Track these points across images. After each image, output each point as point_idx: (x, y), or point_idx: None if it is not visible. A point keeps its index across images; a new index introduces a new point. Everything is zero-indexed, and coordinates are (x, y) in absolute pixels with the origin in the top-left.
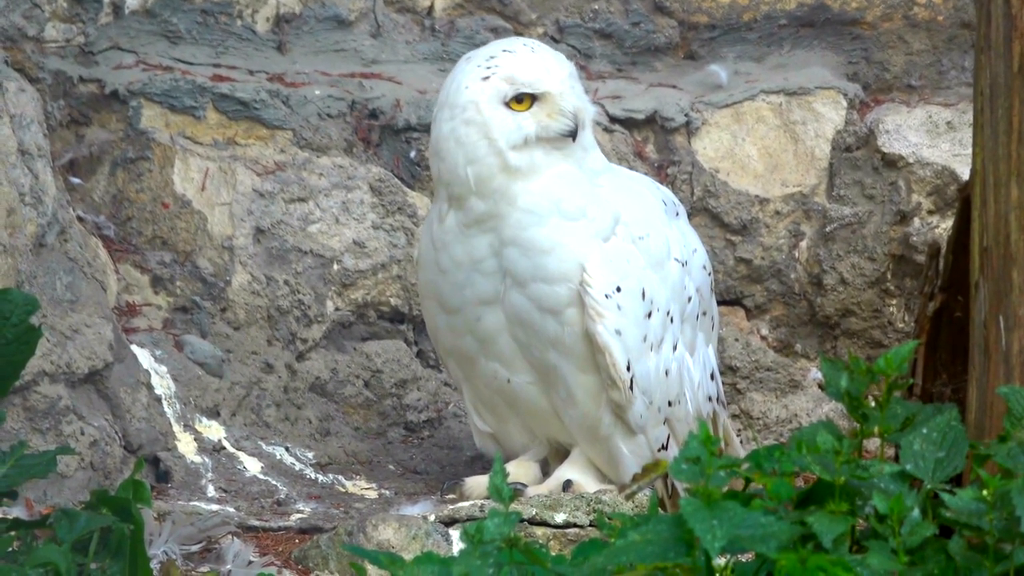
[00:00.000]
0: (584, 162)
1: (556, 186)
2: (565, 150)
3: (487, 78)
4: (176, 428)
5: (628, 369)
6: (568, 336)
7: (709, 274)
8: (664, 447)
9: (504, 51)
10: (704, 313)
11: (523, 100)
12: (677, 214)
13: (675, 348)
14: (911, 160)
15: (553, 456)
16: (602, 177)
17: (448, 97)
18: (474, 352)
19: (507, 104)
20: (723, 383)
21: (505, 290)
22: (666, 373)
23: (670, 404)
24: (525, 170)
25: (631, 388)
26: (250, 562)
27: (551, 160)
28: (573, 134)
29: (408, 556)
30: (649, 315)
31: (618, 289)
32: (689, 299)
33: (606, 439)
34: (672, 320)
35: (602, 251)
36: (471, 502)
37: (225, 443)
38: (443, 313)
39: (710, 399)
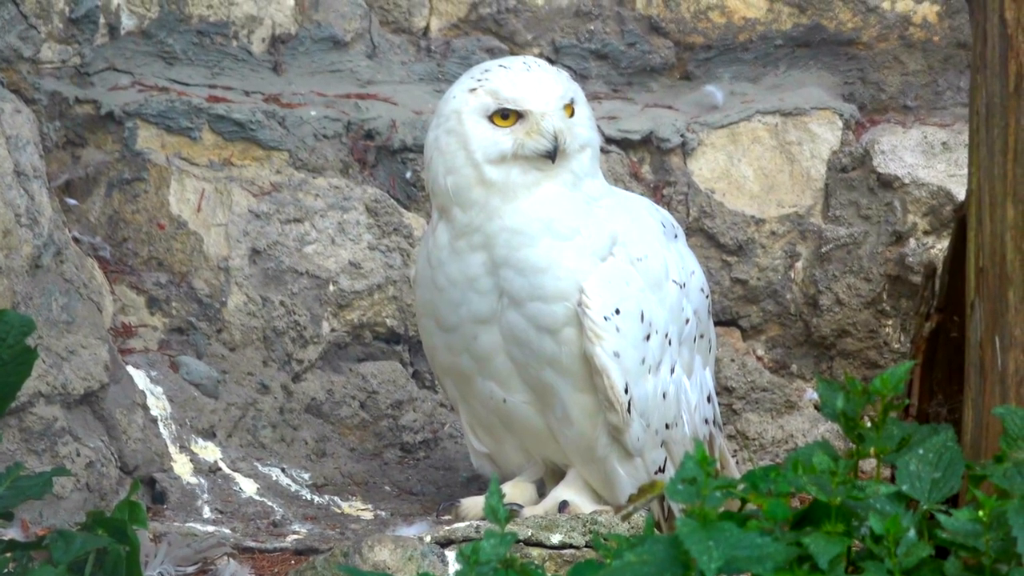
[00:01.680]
0: (578, 186)
1: (546, 207)
2: (549, 171)
3: (474, 90)
4: (172, 449)
5: (626, 392)
6: (565, 356)
7: (707, 296)
8: (661, 470)
9: (500, 66)
10: (702, 336)
11: (508, 116)
12: (676, 236)
13: (673, 371)
14: (907, 180)
15: (549, 477)
16: (601, 200)
17: (439, 106)
18: (470, 371)
19: (490, 118)
20: (719, 403)
21: (502, 309)
22: (664, 396)
23: (667, 427)
24: (501, 185)
25: (628, 411)
26: None
27: (530, 180)
28: (551, 155)
29: None
30: (648, 337)
31: (617, 311)
32: (687, 321)
33: (602, 460)
34: (670, 343)
35: (600, 272)
36: (467, 523)
37: (221, 464)
38: (439, 331)
39: (707, 421)
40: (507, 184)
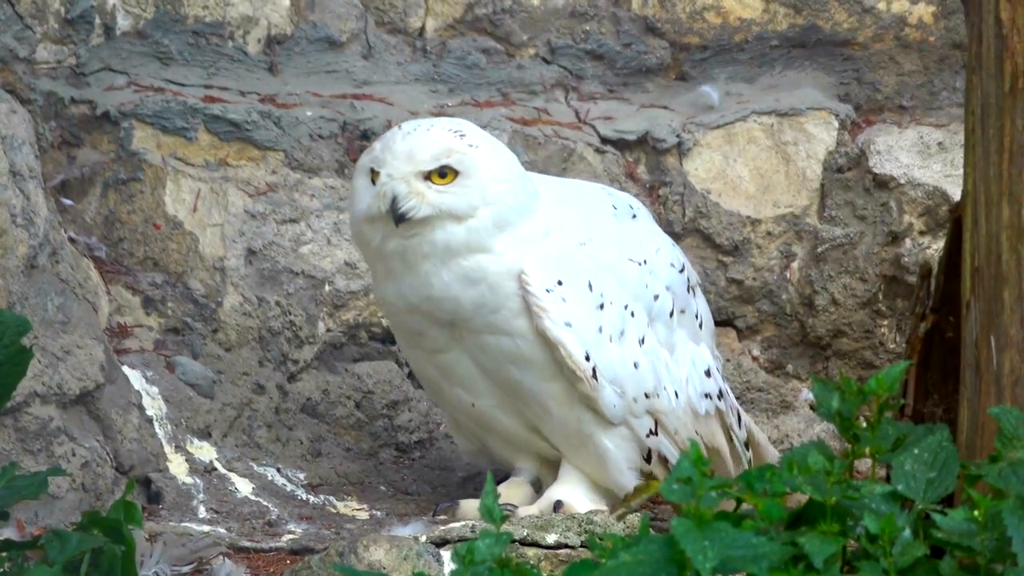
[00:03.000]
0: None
1: (451, 239)
2: (426, 235)
3: (369, 148)
4: (167, 449)
5: (588, 359)
6: (524, 348)
7: (681, 271)
8: (653, 433)
9: (400, 127)
10: (683, 311)
11: (374, 175)
12: (634, 216)
13: (642, 342)
14: (902, 181)
15: (544, 468)
16: (535, 204)
17: None
18: (438, 379)
19: (371, 177)
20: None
21: (457, 335)
22: (635, 366)
23: (647, 396)
24: (379, 244)
25: (595, 377)
26: None
27: (414, 242)
28: (394, 219)
29: None
30: (601, 307)
31: (559, 283)
32: (656, 297)
33: (588, 438)
34: (633, 315)
35: (536, 251)
36: (462, 523)
37: (216, 464)
38: (404, 345)
39: (708, 396)
40: (383, 241)
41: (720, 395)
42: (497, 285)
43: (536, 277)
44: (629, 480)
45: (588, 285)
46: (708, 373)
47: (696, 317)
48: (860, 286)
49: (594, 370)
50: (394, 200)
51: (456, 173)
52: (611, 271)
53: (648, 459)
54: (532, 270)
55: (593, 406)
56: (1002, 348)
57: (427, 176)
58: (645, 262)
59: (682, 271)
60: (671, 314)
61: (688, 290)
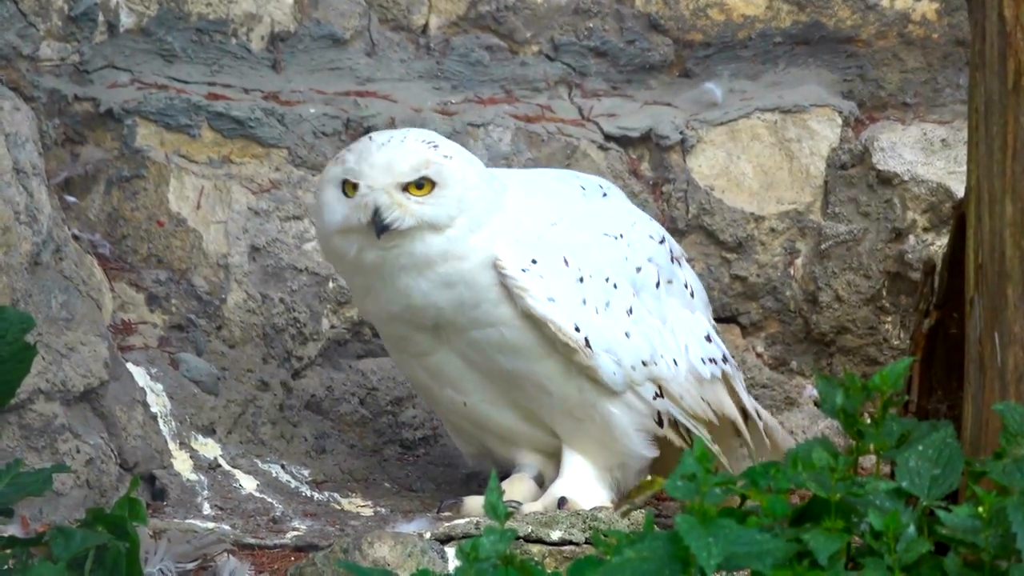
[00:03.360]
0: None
1: (430, 249)
2: (405, 246)
3: (337, 160)
4: (172, 446)
5: (578, 331)
6: (509, 335)
7: (662, 242)
8: (659, 395)
9: (368, 139)
10: (670, 281)
11: (351, 188)
12: (605, 195)
13: (630, 312)
14: (906, 177)
15: (547, 463)
16: (503, 198)
17: None
18: (428, 382)
19: (343, 189)
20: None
21: (444, 337)
22: (627, 335)
23: (645, 364)
24: (354, 256)
25: (588, 347)
26: None
27: (394, 252)
28: (376, 230)
29: (404, 574)
30: (581, 280)
31: (534, 261)
32: (639, 269)
33: (592, 407)
34: (616, 287)
35: (507, 238)
36: (467, 519)
37: (221, 461)
38: (392, 350)
39: (712, 360)
40: (358, 252)
41: (724, 359)
42: (473, 281)
43: (510, 260)
44: (638, 444)
45: (564, 260)
46: (708, 338)
47: (686, 287)
48: (864, 283)
49: (586, 340)
50: (376, 211)
51: (433, 184)
52: (586, 247)
53: (661, 423)
54: (505, 254)
55: (593, 376)
56: (1006, 344)
57: (405, 187)
58: (621, 236)
59: (662, 242)
60: (657, 285)
61: (672, 260)
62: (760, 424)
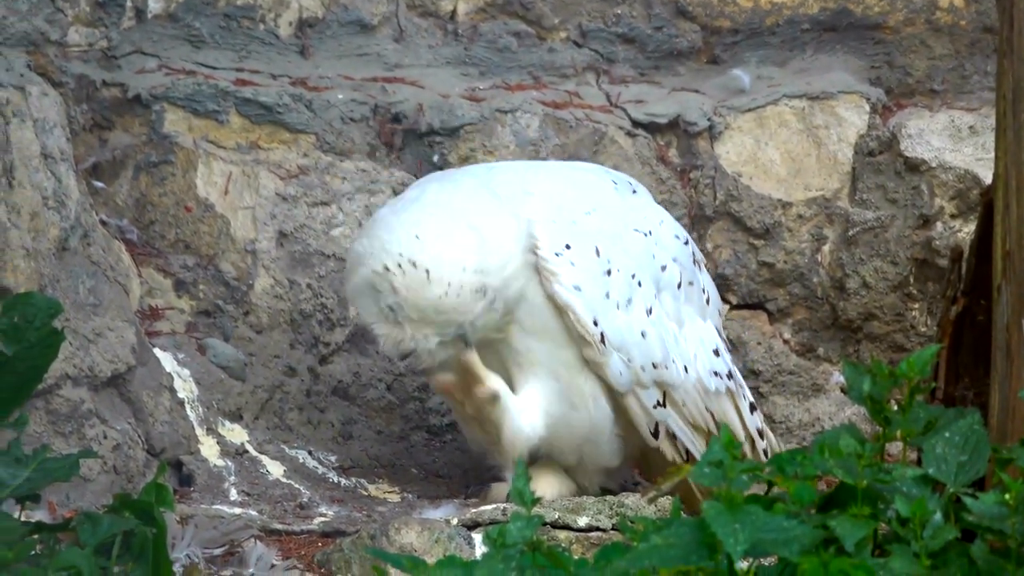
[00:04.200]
0: None
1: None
2: None
3: (381, 276)
4: (199, 431)
5: (596, 325)
6: (530, 314)
7: (686, 243)
8: (660, 404)
9: (432, 280)
10: (691, 283)
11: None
12: (634, 192)
13: (650, 312)
14: (934, 164)
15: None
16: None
17: None
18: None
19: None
20: (747, 387)
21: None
22: (643, 335)
23: (655, 366)
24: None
25: (603, 342)
26: (273, 565)
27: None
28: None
29: (431, 560)
30: (608, 273)
31: (568, 246)
32: (664, 268)
33: (589, 399)
34: (640, 284)
35: (544, 218)
36: (494, 505)
37: (248, 446)
38: None
39: (716, 374)
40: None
41: (730, 375)
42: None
43: (545, 242)
44: (610, 451)
45: (595, 251)
46: (716, 352)
47: (703, 292)
48: (891, 269)
49: (602, 335)
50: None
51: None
52: (618, 240)
53: (655, 434)
54: (541, 235)
55: (600, 372)
56: None
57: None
58: (650, 233)
59: (686, 244)
60: (679, 286)
61: (693, 263)
62: (759, 446)
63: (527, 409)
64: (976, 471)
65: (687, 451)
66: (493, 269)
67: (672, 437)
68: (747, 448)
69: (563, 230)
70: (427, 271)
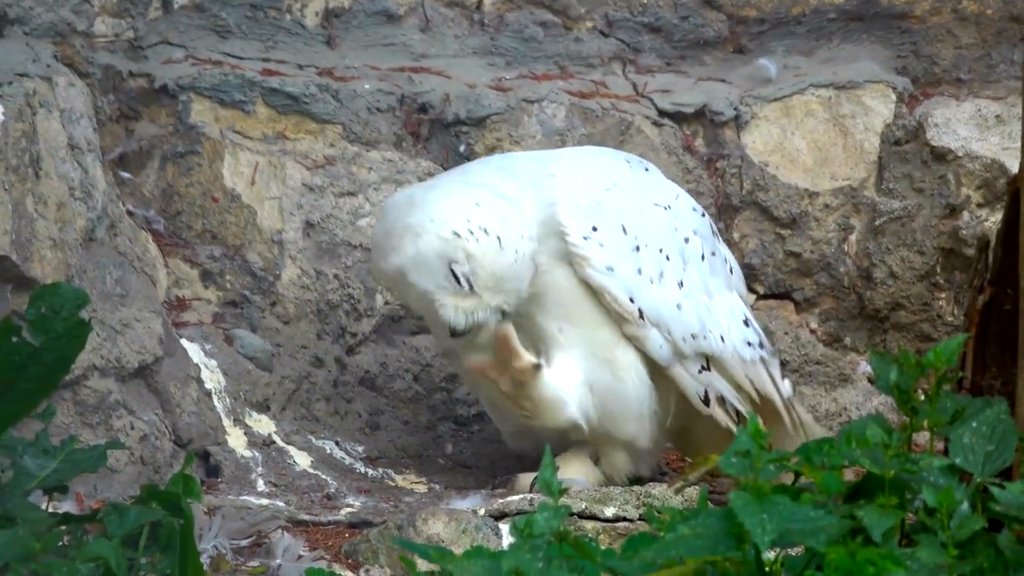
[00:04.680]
0: None
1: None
2: None
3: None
4: (226, 422)
5: (632, 302)
6: (563, 298)
7: (703, 215)
8: (705, 368)
9: (504, 247)
10: (713, 253)
11: None
12: (647, 169)
13: (681, 285)
14: (960, 153)
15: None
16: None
17: None
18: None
19: (450, 267)
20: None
21: None
22: (678, 307)
23: (694, 337)
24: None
25: (641, 318)
26: (300, 556)
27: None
28: (455, 335)
29: (458, 550)
30: (637, 249)
31: (594, 228)
32: (687, 240)
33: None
34: (668, 258)
35: (568, 203)
36: (521, 496)
37: (275, 437)
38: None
39: (749, 344)
40: None
41: (761, 344)
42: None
43: (572, 227)
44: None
45: (622, 228)
46: (746, 322)
47: (725, 262)
48: (918, 259)
49: (640, 311)
50: (473, 328)
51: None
52: (640, 215)
53: (707, 401)
54: (568, 220)
55: (641, 347)
56: None
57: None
58: (669, 207)
59: (703, 216)
60: (702, 257)
61: (713, 234)
62: (793, 414)
63: (565, 379)
64: (1003, 461)
65: (738, 414)
66: (535, 239)
67: (721, 401)
68: (785, 416)
69: (588, 213)
70: (499, 238)
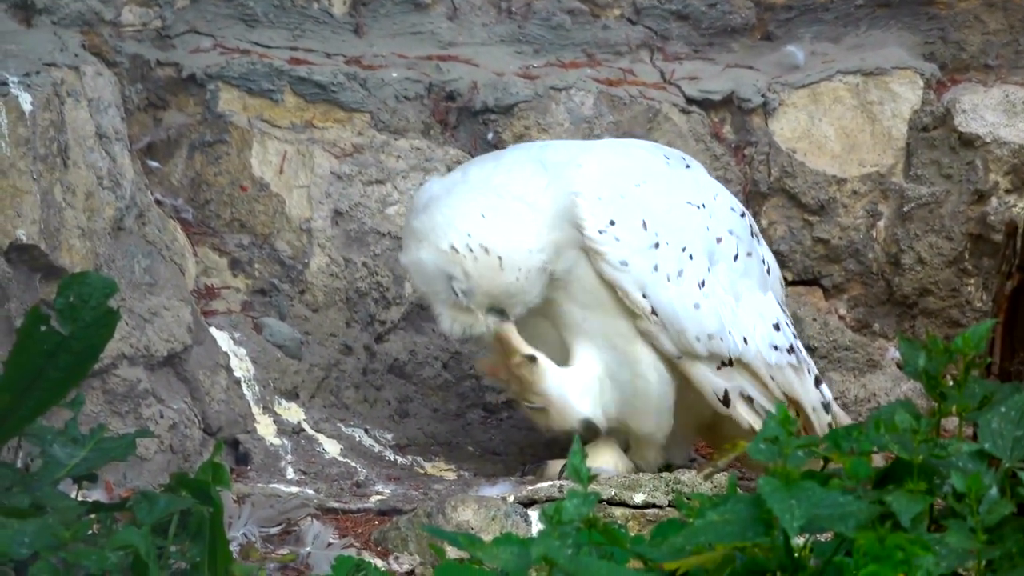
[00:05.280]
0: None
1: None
2: None
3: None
4: (255, 410)
5: (644, 297)
6: (583, 289)
7: (743, 215)
8: (726, 364)
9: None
10: (749, 255)
11: None
12: (688, 166)
13: (702, 285)
14: (988, 139)
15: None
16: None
17: None
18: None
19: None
20: (811, 361)
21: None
22: (696, 306)
23: (710, 337)
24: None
25: (653, 314)
26: (329, 544)
27: None
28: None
29: (487, 537)
30: (656, 246)
31: (612, 222)
32: (719, 239)
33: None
34: (692, 258)
35: (590, 195)
36: (550, 483)
37: (304, 425)
38: None
39: (776, 348)
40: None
41: (791, 349)
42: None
43: (589, 220)
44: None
45: (643, 224)
46: (777, 327)
47: (763, 263)
48: (946, 245)
49: (652, 308)
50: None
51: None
52: (668, 213)
53: (726, 401)
54: (586, 212)
55: (654, 343)
56: None
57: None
58: (704, 206)
59: (743, 216)
60: (735, 258)
61: (752, 235)
62: (826, 418)
63: (578, 376)
64: None
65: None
66: (549, 245)
67: (749, 400)
68: (815, 421)
69: (608, 205)
70: (499, 258)
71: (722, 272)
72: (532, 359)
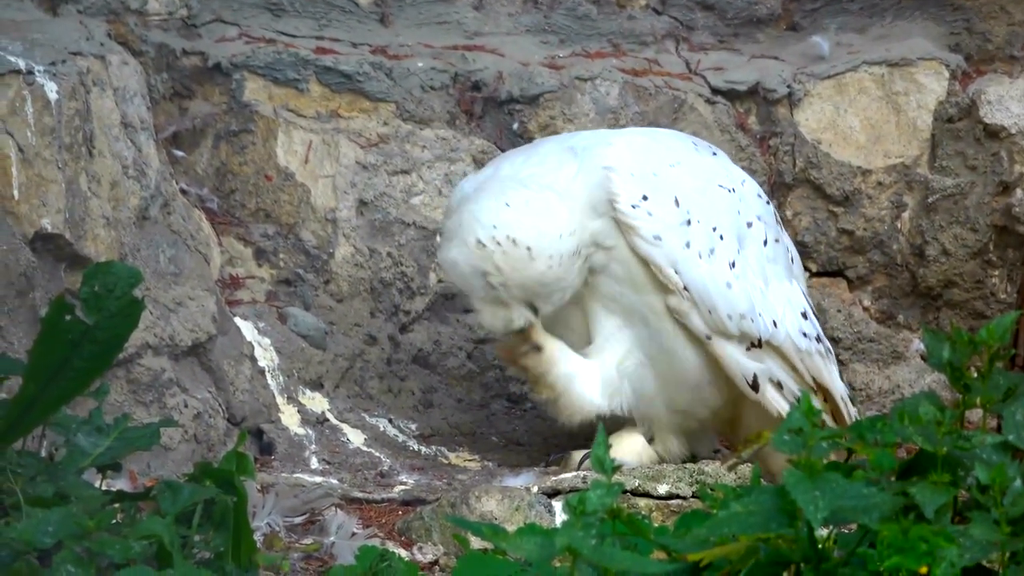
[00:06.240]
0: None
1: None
2: None
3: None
4: (279, 400)
5: (677, 273)
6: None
7: (768, 203)
8: (755, 345)
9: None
10: (777, 241)
11: None
12: (715, 154)
13: (733, 266)
14: (1013, 131)
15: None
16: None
17: None
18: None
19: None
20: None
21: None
22: (728, 286)
23: (742, 316)
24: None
25: (685, 290)
26: (353, 534)
27: None
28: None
29: (511, 527)
30: (688, 223)
31: (644, 197)
32: (749, 224)
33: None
34: (722, 238)
35: (622, 168)
36: (574, 473)
37: (328, 415)
38: None
39: (805, 335)
40: None
41: (818, 339)
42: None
43: (623, 195)
44: (709, 397)
45: (675, 201)
46: (804, 315)
47: (787, 251)
48: (971, 236)
49: (684, 285)
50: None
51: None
52: (700, 193)
53: (755, 386)
54: (620, 185)
55: (683, 319)
56: None
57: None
58: (734, 190)
59: (768, 203)
60: (764, 243)
61: (777, 223)
62: (852, 411)
63: (590, 372)
64: None
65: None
66: (579, 228)
67: (779, 386)
68: (843, 409)
69: (641, 181)
70: (528, 248)
71: (752, 256)
72: (538, 348)
